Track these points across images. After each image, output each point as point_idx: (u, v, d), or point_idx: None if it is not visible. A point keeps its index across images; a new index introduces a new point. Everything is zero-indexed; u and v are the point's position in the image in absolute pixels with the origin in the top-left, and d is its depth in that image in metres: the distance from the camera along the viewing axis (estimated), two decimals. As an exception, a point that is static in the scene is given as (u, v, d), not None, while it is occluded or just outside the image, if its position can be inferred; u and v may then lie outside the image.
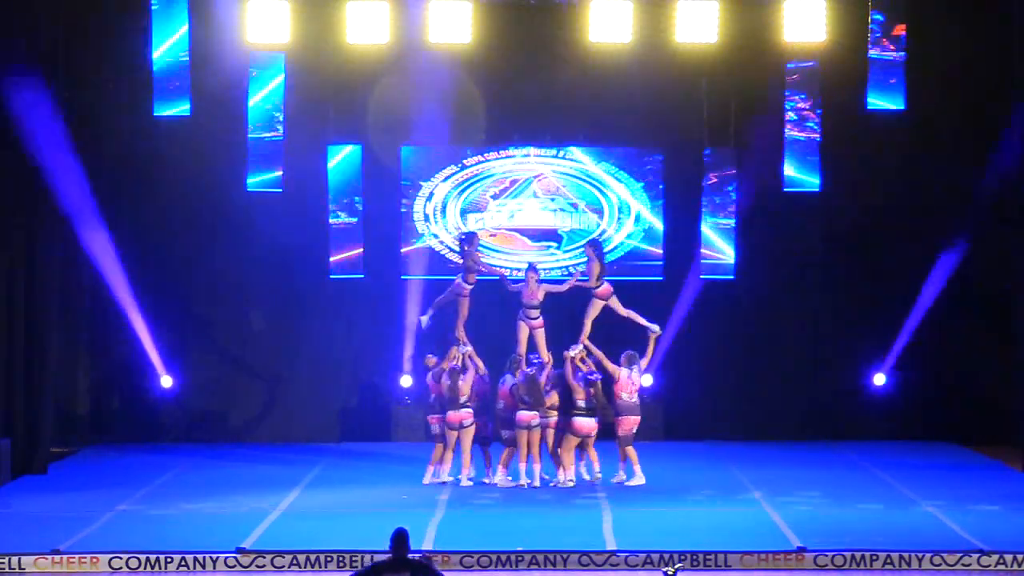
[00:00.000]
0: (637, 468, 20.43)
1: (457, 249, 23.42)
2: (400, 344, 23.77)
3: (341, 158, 23.90)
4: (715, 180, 24.33)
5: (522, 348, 20.63)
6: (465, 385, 20.30)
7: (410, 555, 11.87)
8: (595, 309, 20.85)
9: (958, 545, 16.57)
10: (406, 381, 23.50)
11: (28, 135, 21.22)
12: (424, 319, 21.21)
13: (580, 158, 24.56)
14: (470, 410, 20.35)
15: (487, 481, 20.56)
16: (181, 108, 23.04)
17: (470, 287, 20.94)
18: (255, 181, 23.81)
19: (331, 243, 23.94)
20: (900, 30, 23.07)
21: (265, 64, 23.34)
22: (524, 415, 20.18)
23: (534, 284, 20.80)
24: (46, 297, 21.74)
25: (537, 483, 20.26)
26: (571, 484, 20.26)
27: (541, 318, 20.78)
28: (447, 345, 20.80)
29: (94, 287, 23.67)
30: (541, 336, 20.67)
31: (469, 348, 20.55)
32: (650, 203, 24.48)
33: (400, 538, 11.85)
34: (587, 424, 20.23)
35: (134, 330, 23.82)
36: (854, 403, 24.46)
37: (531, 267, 21.21)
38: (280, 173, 23.66)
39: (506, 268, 24.07)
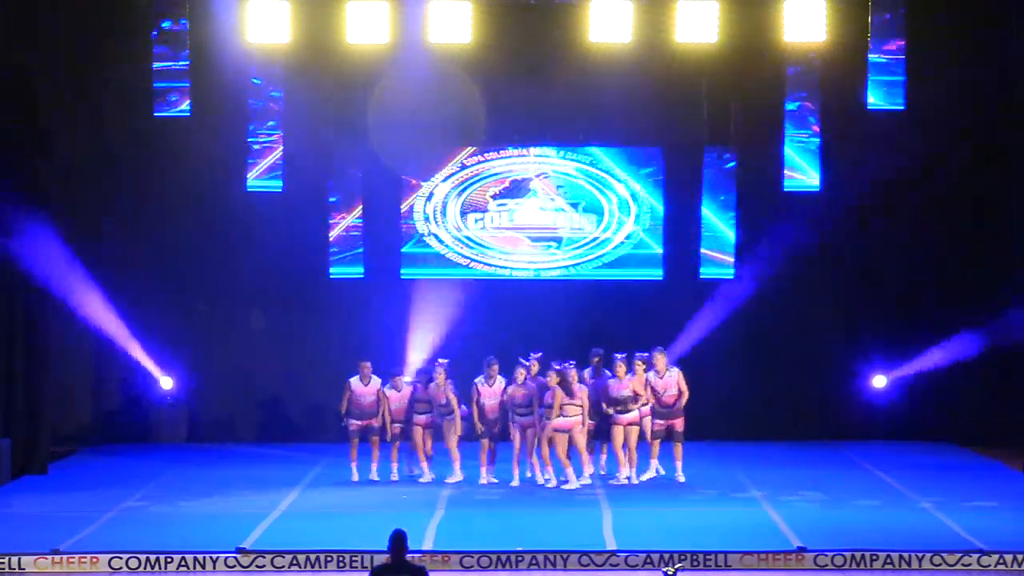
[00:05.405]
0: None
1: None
2: (400, 344, 23.75)
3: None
4: (715, 180, 24.34)
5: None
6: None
7: (408, 556, 11.85)
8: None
9: (958, 545, 16.58)
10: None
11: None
12: None
13: (580, 158, 24.54)
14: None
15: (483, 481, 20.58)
16: (181, 108, 23.13)
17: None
18: (255, 181, 23.91)
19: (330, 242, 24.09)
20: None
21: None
22: (525, 420, 20.23)
23: (442, 380, 20.55)
24: (46, 298, 21.74)
25: (541, 482, 20.21)
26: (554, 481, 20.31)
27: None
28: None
29: (93, 287, 23.65)
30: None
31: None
32: (650, 203, 24.46)
33: (398, 540, 11.82)
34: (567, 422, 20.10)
35: (134, 330, 23.81)
36: (854, 403, 24.45)
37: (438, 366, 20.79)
38: (280, 173, 23.86)
39: (506, 268, 24.20)
